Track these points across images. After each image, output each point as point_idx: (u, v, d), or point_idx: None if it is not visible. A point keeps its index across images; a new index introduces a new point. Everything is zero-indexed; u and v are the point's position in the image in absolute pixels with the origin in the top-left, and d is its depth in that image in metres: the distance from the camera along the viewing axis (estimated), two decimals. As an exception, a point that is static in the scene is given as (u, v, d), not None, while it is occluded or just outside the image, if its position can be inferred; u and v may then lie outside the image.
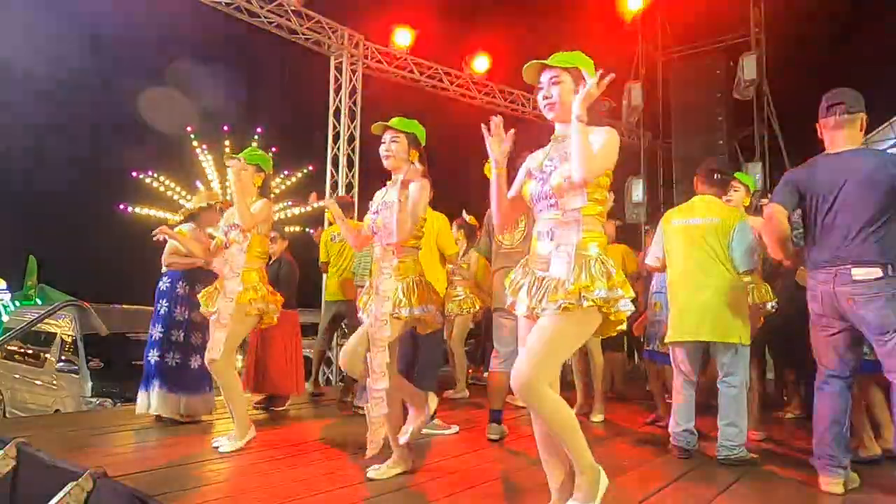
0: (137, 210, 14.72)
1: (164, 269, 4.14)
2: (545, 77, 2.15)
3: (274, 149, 15.01)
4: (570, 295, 1.97)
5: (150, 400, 3.92)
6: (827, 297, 2.69)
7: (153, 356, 4.00)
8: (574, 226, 2.04)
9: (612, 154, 2.05)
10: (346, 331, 6.31)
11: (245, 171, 3.39)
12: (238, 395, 3.36)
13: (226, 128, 15.22)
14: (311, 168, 15.46)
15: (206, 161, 15.16)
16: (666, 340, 3.44)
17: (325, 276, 5.48)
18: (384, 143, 2.82)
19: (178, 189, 15.08)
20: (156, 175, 14.92)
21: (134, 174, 14.74)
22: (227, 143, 14.97)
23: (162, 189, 15.00)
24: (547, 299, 2.01)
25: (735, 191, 3.87)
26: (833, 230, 2.69)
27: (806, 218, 2.84)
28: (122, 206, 14.73)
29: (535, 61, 2.15)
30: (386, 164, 2.84)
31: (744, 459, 3.16)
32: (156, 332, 4.04)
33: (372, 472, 2.74)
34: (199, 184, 14.94)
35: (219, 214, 4.30)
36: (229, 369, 3.33)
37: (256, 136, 14.77)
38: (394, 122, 2.82)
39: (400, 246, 2.74)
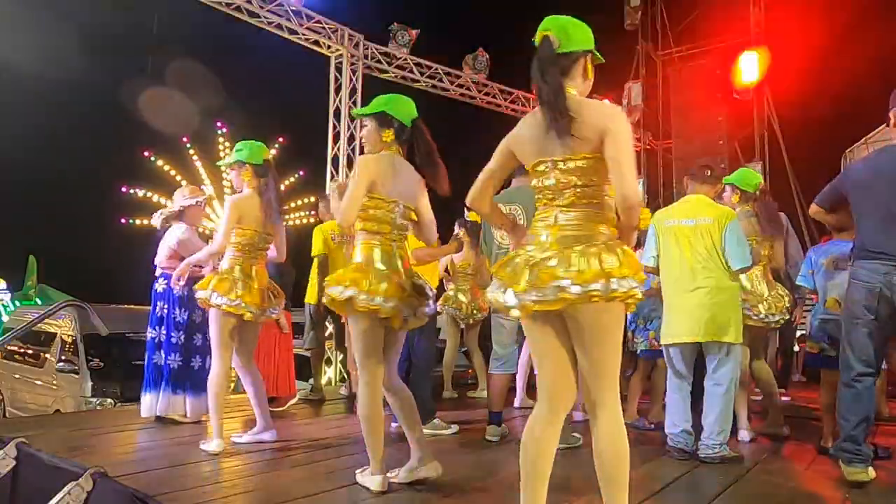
0: (137, 222, 14.77)
1: (158, 271, 4.11)
2: None
3: (280, 139, 15.02)
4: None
5: (158, 402, 3.92)
6: (886, 290, 2.65)
7: (158, 358, 3.99)
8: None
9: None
10: (336, 340, 6.19)
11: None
12: (216, 401, 3.29)
13: (224, 129, 15.23)
14: (301, 174, 15.48)
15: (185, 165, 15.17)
16: (661, 342, 3.43)
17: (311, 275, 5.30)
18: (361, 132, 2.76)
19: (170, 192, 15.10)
20: (147, 190, 14.95)
21: (124, 189, 14.76)
22: (227, 143, 14.98)
23: (155, 199, 15.02)
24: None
25: (725, 192, 3.84)
26: (889, 223, 2.65)
27: (854, 209, 2.82)
28: (122, 220, 14.81)
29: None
30: (365, 151, 2.75)
31: (725, 458, 3.17)
32: (157, 334, 4.03)
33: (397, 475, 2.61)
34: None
35: (203, 211, 4.30)
36: (218, 373, 3.32)
37: (221, 132, 14.79)
38: (362, 109, 2.74)
39: (351, 233, 2.65)
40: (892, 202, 2.67)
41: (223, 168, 3.52)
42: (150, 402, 3.95)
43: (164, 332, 4.02)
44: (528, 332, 1.99)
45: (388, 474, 2.61)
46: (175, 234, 4.08)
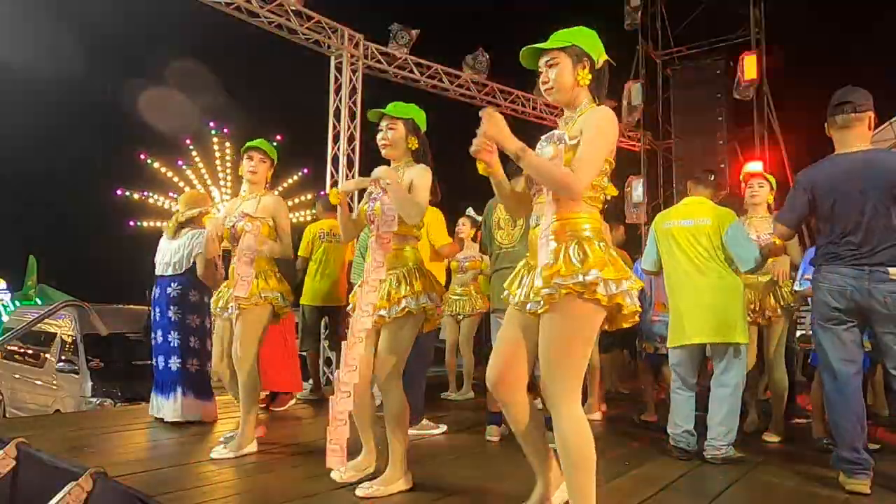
0: (145, 224, 14.80)
1: (173, 272, 4.05)
2: (542, 60, 2.07)
3: (278, 137, 15.08)
4: (545, 283, 1.89)
5: (175, 406, 3.90)
6: (857, 294, 2.67)
7: (174, 363, 3.95)
8: (549, 207, 1.94)
9: (603, 142, 1.94)
10: (330, 341, 6.18)
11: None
12: (252, 400, 3.24)
13: (226, 130, 15.26)
14: (305, 171, 15.54)
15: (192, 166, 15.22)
16: (669, 345, 3.42)
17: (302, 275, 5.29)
18: (380, 130, 2.72)
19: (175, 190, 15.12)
20: (147, 191, 14.99)
21: (119, 192, 14.77)
22: (228, 144, 15.02)
23: (159, 204, 15.06)
24: (528, 290, 1.95)
25: (760, 186, 3.90)
26: (859, 230, 2.69)
27: (820, 216, 2.84)
28: (131, 223, 14.85)
29: (529, 46, 2.07)
30: (384, 153, 2.73)
31: (731, 459, 3.17)
32: (171, 337, 3.99)
33: (361, 491, 2.52)
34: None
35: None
36: (251, 369, 3.23)
37: (214, 133, 14.83)
38: (390, 108, 2.72)
39: (397, 235, 2.62)
40: (856, 208, 2.72)
41: (258, 157, 3.44)
42: (168, 405, 3.93)
43: (177, 335, 3.99)
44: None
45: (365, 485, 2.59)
46: (199, 241, 4.01)
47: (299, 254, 5.05)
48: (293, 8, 7.99)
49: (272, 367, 4.69)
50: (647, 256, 3.54)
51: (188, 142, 15.40)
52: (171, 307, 4.01)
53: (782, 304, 3.75)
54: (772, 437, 3.76)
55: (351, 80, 8.60)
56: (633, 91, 11.45)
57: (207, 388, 4.03)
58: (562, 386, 1.92)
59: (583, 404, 4.29)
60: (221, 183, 15.64)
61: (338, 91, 8.57)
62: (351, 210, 2.89)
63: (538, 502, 2.21)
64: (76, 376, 6.30)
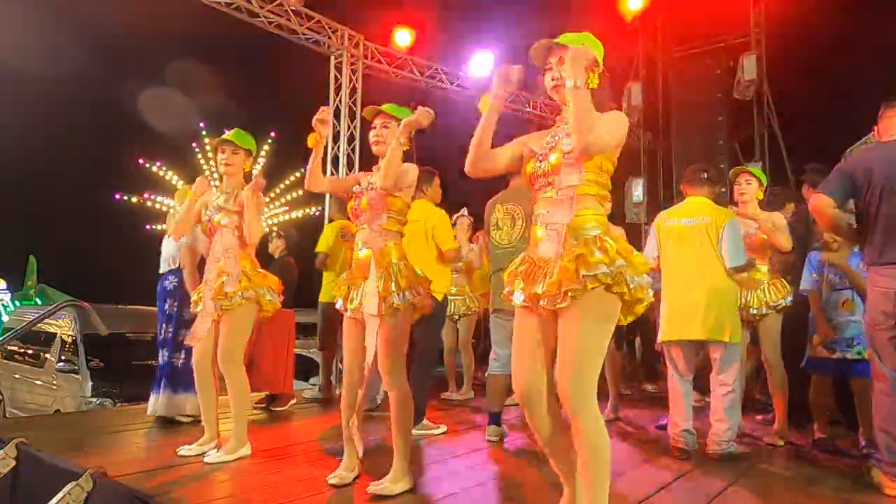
0: (158, 227, 14.83)
1: (168, 268, 4.08)
2: (554, 58, 2.05)
3: (273, 133, 15.10)
4: (568, 276, 1.86)
5: (160, 401, 3.92)
6: None
7: (162, 357, 4.00)
8: (567, 203, 1.92)
9: (617, 129, 1.96)
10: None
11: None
12: (242, 399, 3.16)
13: (226, 131, 15.30)
14: (303, 171, 15.58)
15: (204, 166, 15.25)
16: (659, 339, 3.44)
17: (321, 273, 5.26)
18: (374, 128, 2.76)
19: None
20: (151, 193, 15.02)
21: (117, 197, 14.78)
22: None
23: (157, 207, 15.09)
24: (544, 285, 1.90)
25: (748, 183, 3.84)
26: None
27: (866, 210, 2.74)
28: (148, 227, 14.89)
29: (544, 40, 2.05)
30: (375, 149, 2.75)
31: (733, 454, 3.21)
32: (165, 332, 4.02)
33: (372, 488, 2.54)
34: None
35: None
36: (239, 371, 3.15)
37: (206, 133, 14.87)
38: (385, 107, 2.76)
39: (382, 229, 2.64)
40: None
41: (229, 149, 3.38)
42: (154, 402, 3.95)
43: (170, 329, 4.01)
44: None
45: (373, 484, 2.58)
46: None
47: (318, 250, 5.04)
48: (293, 8, 7.99)
49: (273, 368, 4.69)
50: (647, 252, 3.55)
51: (193, 145, 15.42)
52: (168, 300, 4.04)
53: (768, 302, 3.72)
54: (773, 438, 3.76)
55: (351, 80, 8.60)
56: (633, 91, 11.43)
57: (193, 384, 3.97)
58: (587, 384, 1.87)
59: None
60: (219, 183, 15.67)
61: (338, 91, 8.57)
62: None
63: None
64: (76, 376, 6.29)
